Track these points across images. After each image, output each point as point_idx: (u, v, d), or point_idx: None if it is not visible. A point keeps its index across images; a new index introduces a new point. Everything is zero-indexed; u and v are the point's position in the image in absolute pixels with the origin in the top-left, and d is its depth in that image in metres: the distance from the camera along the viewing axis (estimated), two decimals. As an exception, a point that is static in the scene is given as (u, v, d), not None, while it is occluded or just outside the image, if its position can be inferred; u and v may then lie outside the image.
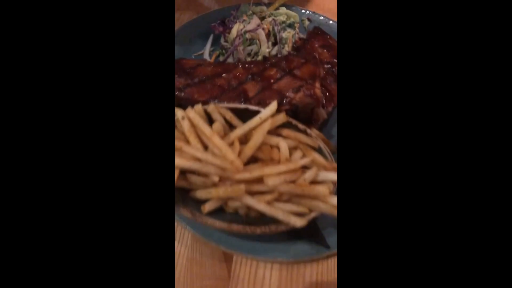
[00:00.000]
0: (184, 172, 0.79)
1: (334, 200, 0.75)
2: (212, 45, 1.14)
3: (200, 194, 0.80)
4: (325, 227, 0.91)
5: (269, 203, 0.77)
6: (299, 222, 0.74)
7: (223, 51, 1.10)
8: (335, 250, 0.88)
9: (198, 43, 1.16)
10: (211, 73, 0.98)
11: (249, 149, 0.80)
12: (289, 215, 0.75)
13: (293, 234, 0.89)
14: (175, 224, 0.91)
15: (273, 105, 0.83)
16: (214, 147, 0.78)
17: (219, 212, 0.80)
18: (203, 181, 0.79)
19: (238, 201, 0.77)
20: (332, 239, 0.89)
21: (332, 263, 0.93)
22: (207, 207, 0.78)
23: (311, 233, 0.90)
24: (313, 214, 0.78)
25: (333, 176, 0.78)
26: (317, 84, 0.89)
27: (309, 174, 0.78)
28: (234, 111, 0.86)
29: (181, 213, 0.78)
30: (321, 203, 0.76)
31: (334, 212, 0.75)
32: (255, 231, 0.77)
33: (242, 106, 0.88)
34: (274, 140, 0.84)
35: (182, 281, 0.87)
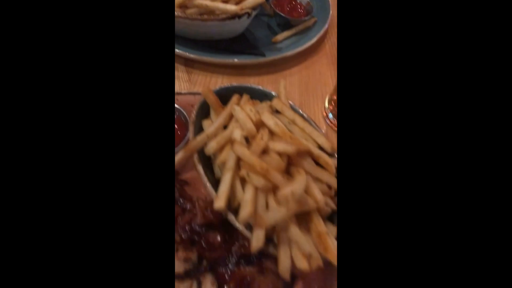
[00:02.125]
0: None
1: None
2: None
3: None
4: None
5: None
6: (234, 9, 1.05)
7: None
8: (269, 58, 1.18)
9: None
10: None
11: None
12: (227, 6, 1.06)
13: (237, 50, 1.20)
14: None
15: None
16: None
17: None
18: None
19: (194, 6, 1.09)
20: (268, 53, 1.19)
21: (269, 78, 1.22)
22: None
23: (250, 48, 1.21)
24: (250, 11, 1.09)
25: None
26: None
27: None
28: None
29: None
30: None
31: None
32: (206, 19, 1.07)
33: None
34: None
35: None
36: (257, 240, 0.60)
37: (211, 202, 0.79)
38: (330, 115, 1.11)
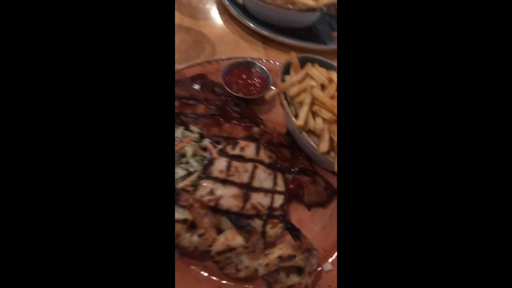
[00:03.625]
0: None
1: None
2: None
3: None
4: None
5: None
6: (312, 3, 1.37)
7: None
8: (329, 47, 1.50)
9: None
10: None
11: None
12: (307, 1, 1.38)
13: (304, 36, 1.51)
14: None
15: None
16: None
17: None
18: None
19: (280, -3, 1.42)
20: (330, 43, 1.51)
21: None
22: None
23: (314, 37, 1.52)
24: (323, 8, 1.41)
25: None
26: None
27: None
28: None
29: None
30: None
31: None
32: (288, 8, 1.40)
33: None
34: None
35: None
36: (323, 146, 0.90)
37: (283, 134, 1.11)
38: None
